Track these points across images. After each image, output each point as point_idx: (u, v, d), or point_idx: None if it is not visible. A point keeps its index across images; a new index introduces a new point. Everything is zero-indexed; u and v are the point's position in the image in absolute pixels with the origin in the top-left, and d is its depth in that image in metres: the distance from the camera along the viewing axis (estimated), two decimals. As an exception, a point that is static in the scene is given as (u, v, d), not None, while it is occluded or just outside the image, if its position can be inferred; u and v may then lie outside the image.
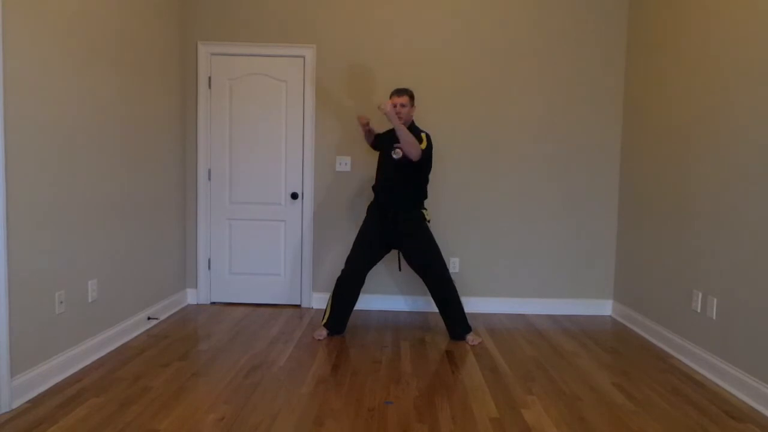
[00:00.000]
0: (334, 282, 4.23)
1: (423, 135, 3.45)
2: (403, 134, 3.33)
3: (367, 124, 3.60)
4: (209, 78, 4.25)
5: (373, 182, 3.72)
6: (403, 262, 3.77)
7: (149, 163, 3.67)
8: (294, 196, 4.31)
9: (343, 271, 3.59)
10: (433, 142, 3.57)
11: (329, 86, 4.24)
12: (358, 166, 4.23)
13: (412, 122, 3.56)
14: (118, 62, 3.24)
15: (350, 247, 4.18)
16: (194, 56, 4.23)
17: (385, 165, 3.56)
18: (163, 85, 3.85)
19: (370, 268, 3.61)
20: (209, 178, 4.32)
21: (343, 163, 4.27)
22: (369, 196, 3.77)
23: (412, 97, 3.52)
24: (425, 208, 3.62)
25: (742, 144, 2.82)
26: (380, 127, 3.77)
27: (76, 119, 2.85)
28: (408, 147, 3.34)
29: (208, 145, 4.30)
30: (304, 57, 4.22)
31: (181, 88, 4.17)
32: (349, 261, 3.59)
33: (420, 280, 4.23)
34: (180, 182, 4.21)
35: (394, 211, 3.53)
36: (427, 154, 3.46)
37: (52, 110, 2.66)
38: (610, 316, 4.29)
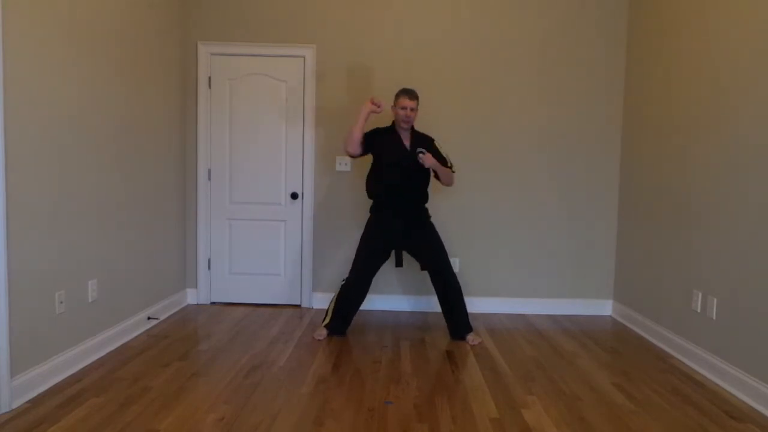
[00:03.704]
0: (335, 282, 4.26)
1: (446, 156, 3.60)
2: (444, 173, 3.53)
3: (380, 106, 3.44)
4: (209, 78, 4.25)
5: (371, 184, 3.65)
6: (408, 259, 3.76)
7: (149, 163, 3.67)
8: (294, 196, 4.31)
9: (349, 278, 3.55)
10: None
11: (329, 86, 4.24)
12: (358, 166, 4.22)
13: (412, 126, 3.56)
14: (118, 62, 3.24)
15: (351, 246, 4.20)
16: (194, 56, 4.23)
17: (394, 167, 3.48)
18: (163, 85, 3.85)
19: (377, 272, 3.60)
20: (209, 178, 4.32)
21: (343, 163, 4.27)
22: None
23: (419, 100, 3.51)
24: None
25: (742, 144, 2.82)
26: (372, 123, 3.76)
27: (76, 119, 2.85)
28: (448, 181, 3.58)
29: (208, 145, 4.30)
30: (304, 57, 4.22)
31: (181, 88, 4.17)
32: (358, 267, 3.53)
33: (420, 280, 4.24)
34: (180, 182, 4.21)
35: (409, 212, 3.54)
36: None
37: (52, 110, 2.66)
38: (610, 316, 4.30)
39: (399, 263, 3.67)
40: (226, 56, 4.24)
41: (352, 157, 3.61)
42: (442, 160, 3.53)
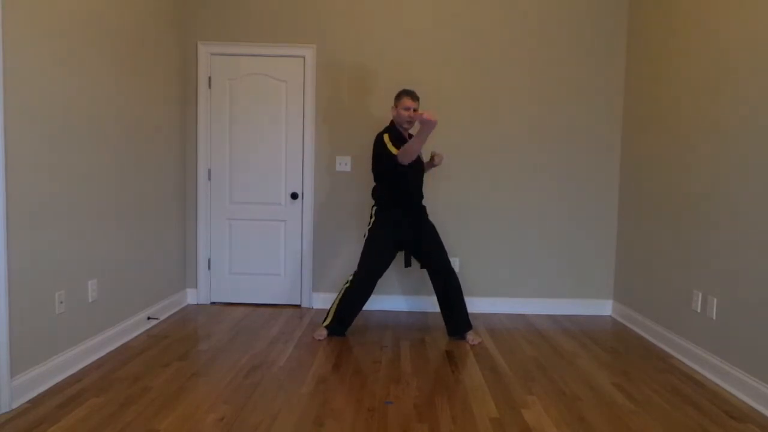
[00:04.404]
0: (335, 282, 4.27)
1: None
2: (420, 145, 3.24)
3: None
4: (209, 78, 4.25)
5: (377, 186, 3.60)
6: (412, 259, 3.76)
7: (149, 163, 3.67)
8: (294, 196, 4.31)
9: (356, 280, 3.50)
10: None
11: (329, 86, 4.24)
12: (358, 166, 4.22)
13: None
14: (118, 62, 3.24)
15: (351, 246, 4.22)
16: (194, 56, 4.23)
17: (407, 167, 3.41)
18: (163, 85, 3.85)
19: (383, 274, 3.59)
20: (209, 178, 4.32)
21: (343, 163, 4.27)
22: (369, 195, 3.76)
23: (419, 100, 3.53)
24: None
25: (742, 144, 2.82)
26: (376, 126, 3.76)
27: (75, 119, 2.85)
28: (415, 154, 3.27)
29: (208, 145, 4.30)
30: (304, 57, 4.22)
31: (181, 88, 4.17)
32: (367, 271, 3.49)
33: (420, 280, 4.24)
34: (180, 182, 4.21)
35: (416, 211, 3.57)
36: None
37: (52, 110, 2.66)
38: (610, 316, 4.30)
39: (408, 263, 3.66)
40: (226, 56, 4.24)
41: (405, 165, 3.40)
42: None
